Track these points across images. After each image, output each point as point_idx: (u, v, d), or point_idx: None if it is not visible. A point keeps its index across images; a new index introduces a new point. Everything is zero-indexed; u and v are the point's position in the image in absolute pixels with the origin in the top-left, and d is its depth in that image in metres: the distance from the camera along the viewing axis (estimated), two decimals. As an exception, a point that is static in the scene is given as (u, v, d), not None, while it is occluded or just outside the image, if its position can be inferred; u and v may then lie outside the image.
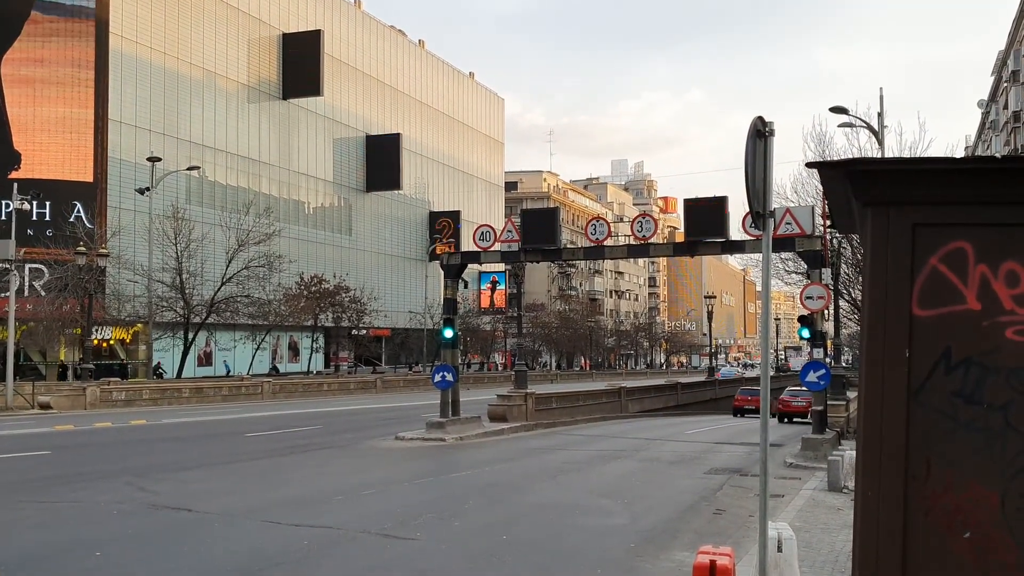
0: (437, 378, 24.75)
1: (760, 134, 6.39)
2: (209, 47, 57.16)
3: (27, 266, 43.07)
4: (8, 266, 35.68)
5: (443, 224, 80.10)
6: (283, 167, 64.02)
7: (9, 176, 44.74)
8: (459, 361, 28.70)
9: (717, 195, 23.57)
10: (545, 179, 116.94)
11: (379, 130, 73.57)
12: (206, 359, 56.36)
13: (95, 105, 49.11)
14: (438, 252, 74.23)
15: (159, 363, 50.72)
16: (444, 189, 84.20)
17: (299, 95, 63.93)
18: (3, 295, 38.80)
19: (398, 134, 73.90)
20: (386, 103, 75.35)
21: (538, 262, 28.69)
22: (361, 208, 73.11)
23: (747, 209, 7.13)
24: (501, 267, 72.64)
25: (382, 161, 72.77)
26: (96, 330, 44.95)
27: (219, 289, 47.81)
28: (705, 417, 40.10)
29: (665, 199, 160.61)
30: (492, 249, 24.82)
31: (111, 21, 49.69)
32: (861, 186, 3.78)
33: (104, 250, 41.07)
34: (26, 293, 42.88)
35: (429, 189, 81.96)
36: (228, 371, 55.33)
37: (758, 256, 28.02)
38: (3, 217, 40.31)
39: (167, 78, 53.88)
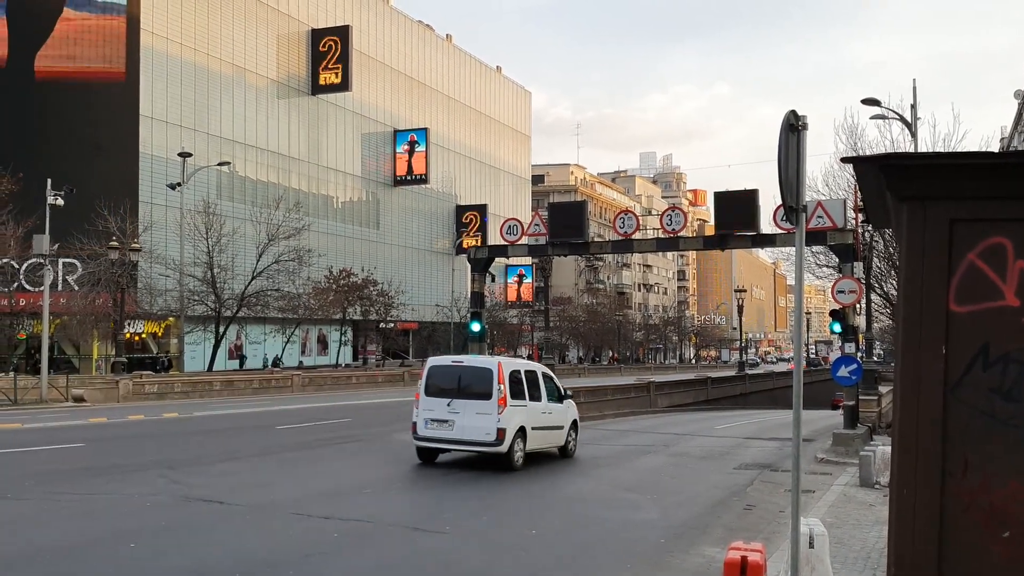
0: (465, 372, 24.75)
1: (793, 128, 6.33)
2: (239, 43, 57.59)
3: (61, 261, 43.70)
4: (43, 261, 36.23)
5: (470, 218, 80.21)
6: (312, 162, 64.42)
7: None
8: (486, 354, 28.86)
9: (747, 188, 23.41)
10: (572, 172, 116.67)
11: (406, 124, 73.77)
12: (237, 352, 56.93)
13: (126, 101, 49.65)
14: (465, 246, 74.45)
15: (277, 357, 52.73)
16: (471, 183, 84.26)
17: (327, 91, 64.25)
18: (38, 289, 39.40)
19: (425, 129, 74.06)
20: (413, 97, 75.52)
21: (565, 256, 28.69)
22: (388, 202, 73.40)
23: (777, 202, 7.07)
24: (528, 260, 72.62)
25: (409, 156, 73.03)
26: (128, 324, 45.56)
27: (250, 283, 48.25)
28: (735, 412, 39.87)
29: (694, 192, 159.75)
30: (519, 243, 24.85)
31: (142, 17, 50.21)
32: (897, 181, 3.74)
33: (136, 245, 41.57)
34: (60, 287, 43.54)
35: (456, 183, 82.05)
36: (266, 364, 55.85)
37: (789, 249, 27.78)
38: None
39: (197, 74, 54.36)
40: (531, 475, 16.22)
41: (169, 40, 52.29)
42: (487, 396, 15.49)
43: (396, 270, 68.55)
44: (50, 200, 35.37)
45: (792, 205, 6.40)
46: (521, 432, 15.84)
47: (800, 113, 6.41)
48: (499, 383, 15.56)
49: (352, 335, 64.68)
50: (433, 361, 17.72)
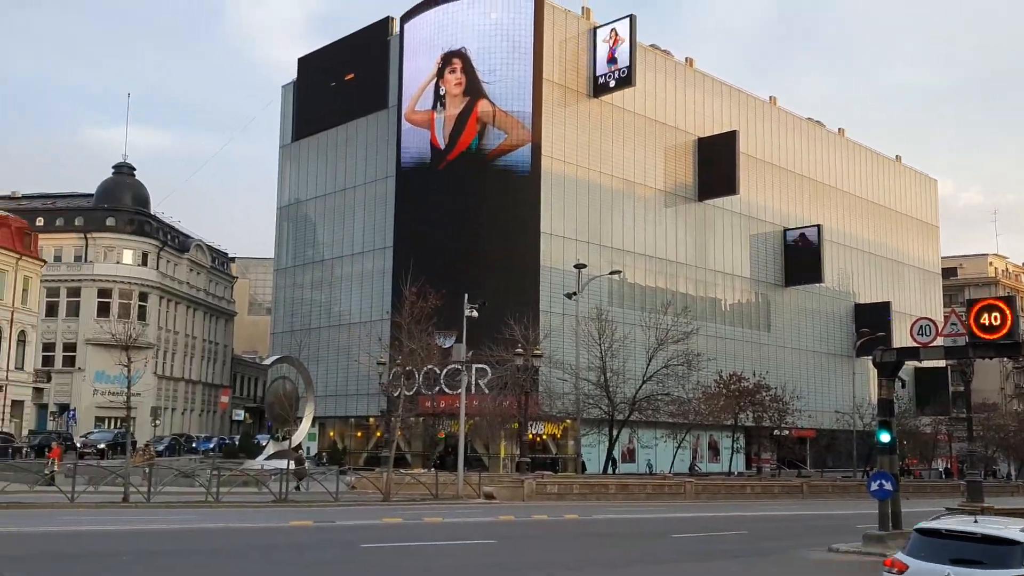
0: (874, 486, 22.55)
1: None
2: (628, 159, 60.60)
3: (474, 367, 48.05)
4: (460, 367, 40.17)
5: (871, 317, 74.92)
6: (699, 266, 64.86)
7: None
8: (897, 468, 25.90)
9: None
10: (991, 263, 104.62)
11: (797, 223, 71.68)
12: (629, 455, 57.82)
13: (529, 220, 54.28)
14: (867, 348, 69.16)
15: (694, 462, 53.65)
16: (870, 279, 78.97)
17: (714, 195, 64.80)
18: (455, 393, 43.66)
19: (818, 225, 71.36)
20: (804, 195, 73.40)
21: (991, 358, 25.29)
22: (779, 303, 71.16)
23: None
24: (942, 363, 65.67)
25: (802, 254, 70.64)
26: (531, 425, 48.51)
27: (640, 387, 49.08)
28: None
29: None
30: (933, 345, 22.41)
31: (543, 145, 55.00)
32: None
33: (538, 351, 44.41)
34: (473, 391, 47.76)
35: (853, 280, 77.45)
36: (650, 469, 56.08)
37: None
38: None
39: (591, 191, 57.97)
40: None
41: (566, 163, 56.57)
42: None
43: (790, 374, 65.68)
44: (467, 313, 39.33)
45: None
46: None
47: None
48: None
49: (745, 442, 62.66)
50: None
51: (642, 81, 59.20)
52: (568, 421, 52.35)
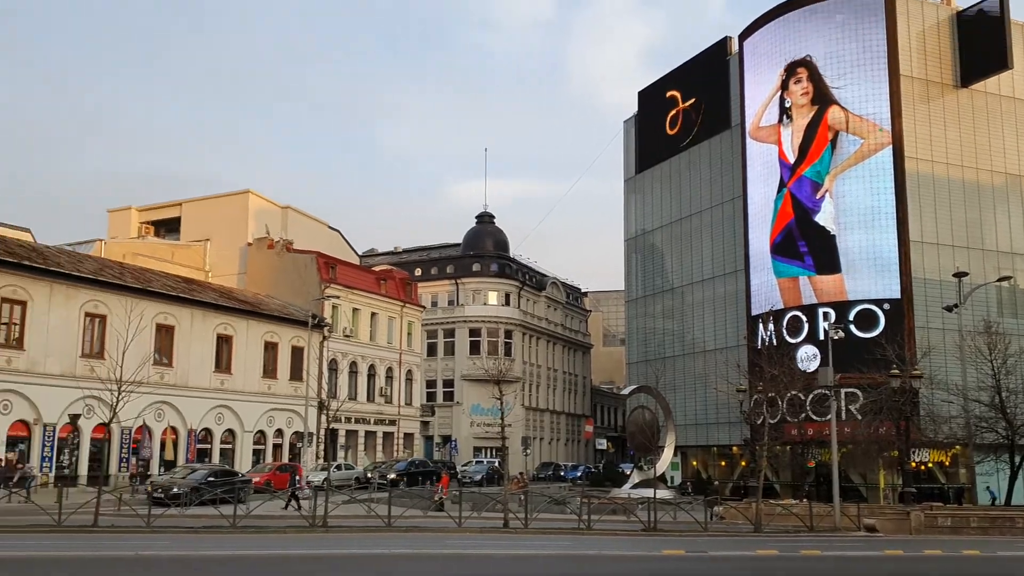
0: None
1: None
2: (1011, 150, 53.63)
3: (843, 391, 44.98)
4: (827, 392, 37.76)
5: None
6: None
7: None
8: None
9: None
10: None
11: None
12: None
13: (897, 230, 49.92)
14: None
15: None
16: None
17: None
18: (823, 419, 41.05)
19: None
20: None
21: None
22: None
23: None
24: None
25: None
26: (913, 452, 44.18)
27: (1046, 408, 42.65)
28: None
29: None
30: None
31: (905, 146, 50.55)
32: None
33: (916, 371, 40.52)
34: (843, 417, 44.64)
35: None
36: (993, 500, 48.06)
37: None
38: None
39: (966, 190, 52.09)
40: None
41: (934, 162, 51.45)
42: None
43: None
44: (832, 335, 37.06)
45: None
46: None
47: None
48: None
49: None
50: None
51: (1020, 62, 52.37)
52: (958, 447, 47.01)
